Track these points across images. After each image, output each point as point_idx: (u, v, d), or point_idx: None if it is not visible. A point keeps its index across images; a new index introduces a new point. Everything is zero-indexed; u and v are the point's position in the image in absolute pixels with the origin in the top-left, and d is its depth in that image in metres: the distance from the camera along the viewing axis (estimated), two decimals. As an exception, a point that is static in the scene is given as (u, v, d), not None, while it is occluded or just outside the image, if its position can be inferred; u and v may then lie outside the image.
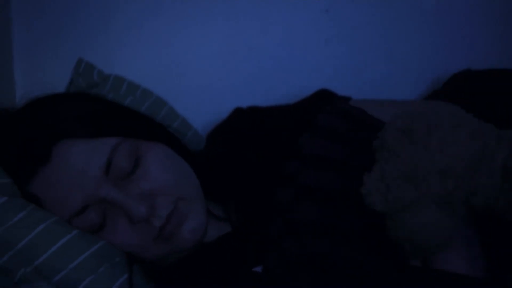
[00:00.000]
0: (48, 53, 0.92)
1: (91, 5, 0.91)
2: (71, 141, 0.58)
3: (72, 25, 0.91)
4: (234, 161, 0.72)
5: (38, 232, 0.55)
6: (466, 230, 0.52)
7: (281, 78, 0.93)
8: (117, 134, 0.61)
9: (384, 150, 0.50)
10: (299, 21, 0.93)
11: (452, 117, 0.49)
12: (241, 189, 0.68)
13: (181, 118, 0.86)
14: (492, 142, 0.47)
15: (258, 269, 0.58)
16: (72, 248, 0.56)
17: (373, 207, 0.50)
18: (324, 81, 0.83)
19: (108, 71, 0.88)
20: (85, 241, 0.57)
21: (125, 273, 0.57)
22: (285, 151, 0.66)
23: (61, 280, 0.55)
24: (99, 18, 0.92)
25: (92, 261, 0.56)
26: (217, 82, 0.93)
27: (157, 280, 0.62)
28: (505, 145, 0.47)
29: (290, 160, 0.65)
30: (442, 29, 0.93)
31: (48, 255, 0.55)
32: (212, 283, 0.59)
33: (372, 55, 0.93)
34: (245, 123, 0.77)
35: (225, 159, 0.73)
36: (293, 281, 0.55)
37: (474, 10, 0.92)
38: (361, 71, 0.93)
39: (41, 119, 0.60)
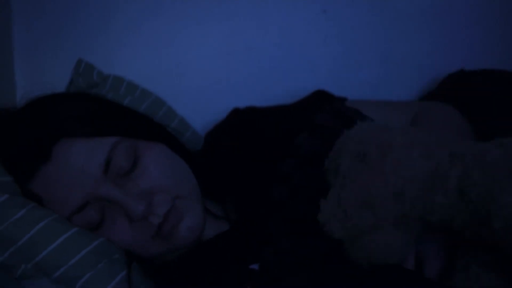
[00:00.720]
0: (48, 54, 0.91)
1: (90, 6, 0.91)
2: (71, 140, 0.59)
3: (72, 26, 0.91)
4: (232, 161, 0.72)
5: (38, 230, 0.56)
6: (421, 246, 0.52)
7: (279, 79, 0.93)
8: (116, 134, 0.61)
9: (338, 176, 0.49)
10: (297, 22, 0.93)
11: (405, 136, 0.48)
12: (239, 188, 0.69)
13: (180, 117, 0.87)
14: (445, 161, 0.46)
15: (255, 266, 0.58)
16: (72, 245, 0.56)
17: (331, 235, 0.49)
18: (322, 81, 0.84)
19: (107, 72, 0.89)
20: (84, 238, 0.58)
21: (123, 270, 0.58)
22: (283, 151, 0.67)
23: (61, 276, 0.56)
24: (98, 19, 0.92)
25: (91, 258, 0.56)
26: (216, 82, 0.93)
27: (155, 277, 0.62)
28: (458, 164, 0.46)
29: (287, 159, 0.65)
30: (438, 30, 0.93)
31: (48, 252, 0.56)
32: (209, 281, 0.59)
33: (369, 56, 0.93)
34: (243, 123, 0.77)
35: (224, 159, 0.74)
36: (289, 279, 0.55)
37: (469, 11, 0.92)
38: (358, 71, 0.93)
39: (41, 118, 0.61)
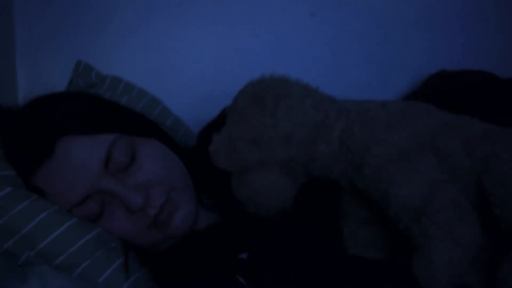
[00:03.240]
0: (48, 55, 0.92)
1: (89, 9, 0.92)
2: (72, 137, 0.60)
3: (72, 28, 0.92)
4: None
5: (40, 220, 0.58)
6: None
7: (269, 79, 0.94)
8: (115, 131, 0.63)
9: (235, 113, 0.50)
10: (287, 24, 0.94)
11: (301, 88, 0.50)
12: (230, 181, 0.71)
13: (174, 116, 0.88)
14: (333, 115, 0.49)
15: (244, 255, 0.60)
16: (71, 235, 0.59)
17: (218, 165, 0.50)
18: (311, 82, 0.79)
19: (105, 72, 0.89)
20: (83, 228, 0.60)
21: (120, 258, 0.60)
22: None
23: (61, 263, 0.58)
24: (97, 22, 0.93)
25: (90, 246, 0.59)
26: (208, 83, 0.93)
27: (150, 265, 0.64)
28: (343, 118, 0.49)
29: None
30: (424, 33, 0.94)
31: (49, 240, 0.58)
32: (200, 269, 0.61)
33: (357, 58, 0.94)
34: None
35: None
36: (277, 267, 0.56)
37: (454, 15, 0.93)
38: (346, 72, 0.94)
39: (44, 116, 0.62)
